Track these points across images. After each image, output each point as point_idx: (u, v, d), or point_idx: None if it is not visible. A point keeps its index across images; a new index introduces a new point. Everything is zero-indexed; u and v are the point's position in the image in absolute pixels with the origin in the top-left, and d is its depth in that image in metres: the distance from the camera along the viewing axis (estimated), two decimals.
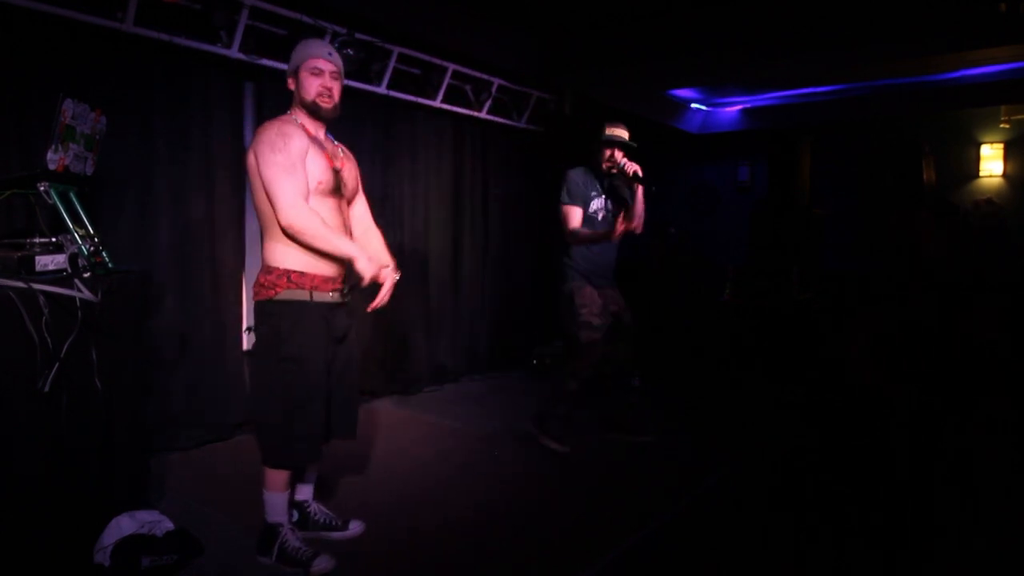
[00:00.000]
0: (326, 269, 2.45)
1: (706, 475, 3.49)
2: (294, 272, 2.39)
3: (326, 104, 2.47)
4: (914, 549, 2.79)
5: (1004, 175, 6.08)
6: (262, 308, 2.44)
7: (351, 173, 2.65)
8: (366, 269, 2.36)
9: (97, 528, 2.40)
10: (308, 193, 2.37)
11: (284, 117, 2.48)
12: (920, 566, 2.67)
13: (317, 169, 2.42)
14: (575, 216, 3.76)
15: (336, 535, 2.76)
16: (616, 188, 3.90)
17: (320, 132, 2.55)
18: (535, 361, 6.04)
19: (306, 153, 2.39)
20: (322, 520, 2.79)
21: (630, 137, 3.83)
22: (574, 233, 3.75)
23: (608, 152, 3.76)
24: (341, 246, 2.39)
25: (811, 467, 3.69)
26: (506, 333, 6.09)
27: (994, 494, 3.33)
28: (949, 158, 6.21)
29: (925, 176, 6.12)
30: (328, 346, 2.49)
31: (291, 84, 2.51)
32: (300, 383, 2.41)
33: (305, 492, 2.82)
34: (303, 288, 2.40)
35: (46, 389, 2.14)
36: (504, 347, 6.07)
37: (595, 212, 3.84)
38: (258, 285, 2.43)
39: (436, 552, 2.68)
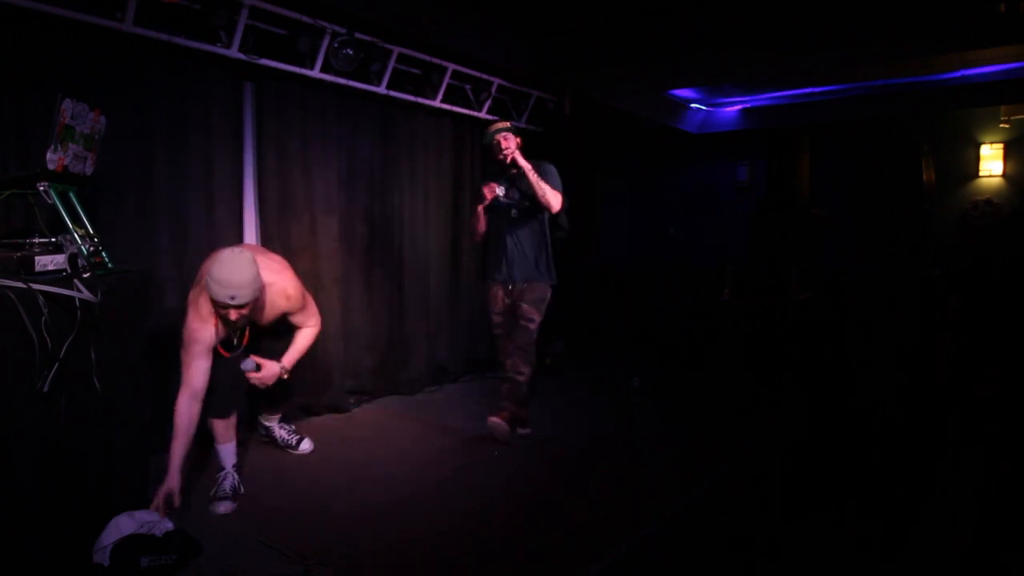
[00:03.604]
0: None
1: (706, 475, 3.49)
2: None
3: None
4: (915, 552, 2.79)
5: (1004, 175, 6.08)
6: None
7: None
8: None
9: (96, 528, 2.40)
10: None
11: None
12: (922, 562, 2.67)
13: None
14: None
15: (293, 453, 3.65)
16: (516, 178, 3.91)
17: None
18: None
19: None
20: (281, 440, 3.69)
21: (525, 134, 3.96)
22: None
23: (495, 146, 3.87)
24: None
25: (811, 467, 3.68)
26: None
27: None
28: (949, 158, 6.22)
29: (925, 176, 6.14)
30: None
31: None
32: None
33: (272, 419, 3.72)
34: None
35: (45, 389, 2.13)
36: None
37: (498, 201, 3.92)
38: None
39: (436, 552, 2.67)
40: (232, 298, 2.72)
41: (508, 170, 3.88)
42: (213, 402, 3.04)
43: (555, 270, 4.02)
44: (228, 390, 3.10)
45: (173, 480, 2.77)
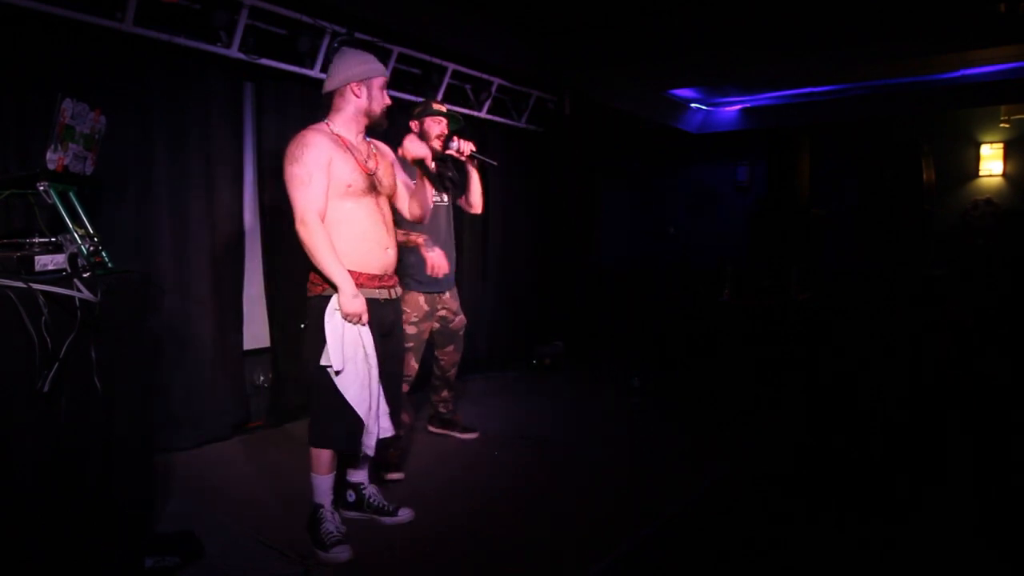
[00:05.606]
0: (371, 267, 2.59)
1: (706, 475, 3.49)
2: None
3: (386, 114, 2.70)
4: (914, 550, 2.79)
5: (1004, 175, 6.08)
6: (310, 303, 2.58)
7: (387, 170, 2.76)
8: (348, 304, 2.46)
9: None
10: (325, 201, 2.50)
11: (314, 125, 2.60)
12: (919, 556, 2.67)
13: (345, 172, 2.54)
14: None
15: (387, 520, 2.86)
16: (445, 172, 3.32)
17: (359, 137, 2.69)
18: (535, 361, 6.04)
19: (328, 161, 2.51)
20: (376, 504, 2.89)
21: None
22: None
23: (440, 133, 3.47)
24: (335, 272, 2.47)
25: (811, 467, 3.69)
26: (506, 333, 6.08)
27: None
28: (949, 158, 6.22)
29: (925, 176, 6.15)
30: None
31: (356, 91, 2.61)
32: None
33: (360, 475, 2.92)
34: None
35: (45, 389, 2.13)
36: (504, 347, 6.07)
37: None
38: (309, 282, 2.59)
39: (436, 552, 2.67)
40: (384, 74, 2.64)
41: (434, 155, 3.15)
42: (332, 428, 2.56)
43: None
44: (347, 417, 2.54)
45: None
